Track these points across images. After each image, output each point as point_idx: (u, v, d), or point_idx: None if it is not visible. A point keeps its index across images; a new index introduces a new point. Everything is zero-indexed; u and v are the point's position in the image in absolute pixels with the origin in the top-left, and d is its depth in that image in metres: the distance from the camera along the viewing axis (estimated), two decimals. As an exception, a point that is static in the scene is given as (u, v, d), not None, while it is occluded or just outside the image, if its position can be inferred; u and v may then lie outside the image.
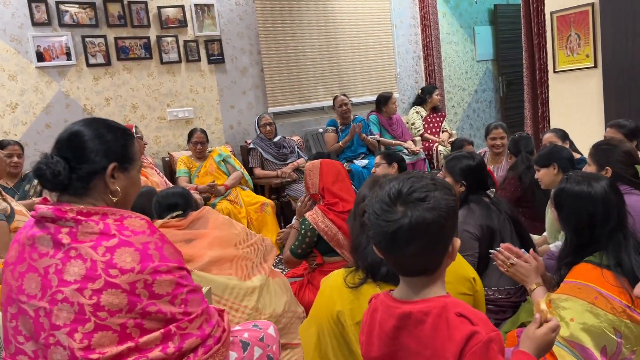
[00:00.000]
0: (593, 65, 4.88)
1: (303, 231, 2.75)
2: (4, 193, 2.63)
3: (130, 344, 1.24)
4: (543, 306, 1.27)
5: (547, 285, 1.83)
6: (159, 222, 2.44)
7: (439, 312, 1.02)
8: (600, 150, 2.41)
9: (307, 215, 2.79)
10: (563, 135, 3.44)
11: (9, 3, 3.94)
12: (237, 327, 1.67)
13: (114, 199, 1.37)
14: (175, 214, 2.47)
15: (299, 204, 3.04)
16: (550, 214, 2.80)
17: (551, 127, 5.37)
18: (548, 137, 3.48)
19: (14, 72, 4.00)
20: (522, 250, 1.91)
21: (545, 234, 2.91)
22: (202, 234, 2.39)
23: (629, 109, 4.50)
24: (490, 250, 1.93)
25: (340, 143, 5.11)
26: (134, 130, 3.87)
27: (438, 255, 1.05)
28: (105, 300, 1.22)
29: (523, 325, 1.99)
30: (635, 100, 4.54)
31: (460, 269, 1.68)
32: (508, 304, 2.19)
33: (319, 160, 2.94)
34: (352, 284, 1.57)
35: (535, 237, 3.00)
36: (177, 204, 2.51)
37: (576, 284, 1.61)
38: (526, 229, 2.35)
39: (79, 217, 1.28)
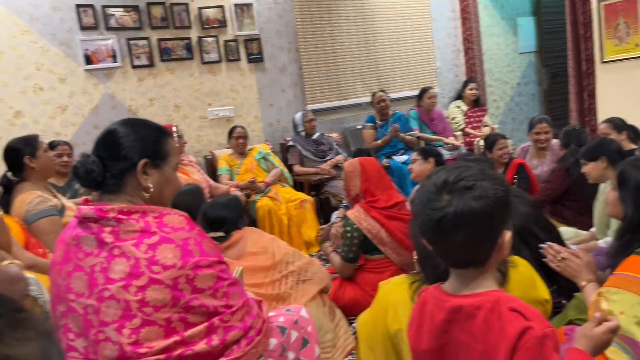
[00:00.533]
0: (643, 55, 4.68)
1: (348, 233, 2.71)
2: (54, 190, 2.76)
3: (176, 337, 1.28)
4: (604, 305, 1.21)
5: (601, 284, 1.77)
6: None
7: (491, 306, 1.01)
8: None
9: (349, 214, 2.75)
10: (619, 125, 3.31)
11: (59, 8, 4.10)
12: (271, 313, 1.70)
13: (147, 195, 1.39)
14: (216, 235, 2.41)
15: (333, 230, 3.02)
16: (599, 208, 2.72)
17: (598, 120, 5.19)
18: (602, 127, 3.37)
19: (64, 75, 4.16)
20: (572, 245, 1.86)
21: (593, 229, 2.82)
22: (231, 263, 2.21)
23: (683, 99, 4.30)
24: (540, 245, 1.88)
25: (379, 142, 5.08)
26: (173, 129, 3.94)
27: (486, 246, 1.02)
28: (150, 296, 1.26)
29: (571, 322, 1.93)
30: (690, 90, 4.33)
31: (532, 291, 1.57)
32: (556, 302, 2.13)
33: (357, 160, 2.90)
34: None
35: (582, 233, 2.91)
36: (224, 218, 2.45)
37: (626, 277, 1.56)
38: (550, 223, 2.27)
39: (120, 216, 1.32)
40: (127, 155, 1.37)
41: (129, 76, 4.43)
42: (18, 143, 2.61)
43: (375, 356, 1.63)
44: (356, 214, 2.73)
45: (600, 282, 1.83)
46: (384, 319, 1.57)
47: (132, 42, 4.38)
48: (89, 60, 4.23)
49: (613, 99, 5.00)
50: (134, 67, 4.42)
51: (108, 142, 1.39)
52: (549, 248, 1.84)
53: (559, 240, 2.15)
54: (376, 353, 1.61)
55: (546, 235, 2.03)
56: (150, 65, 4.48)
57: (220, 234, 2.46)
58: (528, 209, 1.97)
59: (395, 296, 1.58)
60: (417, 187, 1.79)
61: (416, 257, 1.58)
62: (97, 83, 4.30)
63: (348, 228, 2.72)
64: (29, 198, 2.44)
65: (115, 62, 4.33)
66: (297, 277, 2.39)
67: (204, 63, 4.73)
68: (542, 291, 1.61)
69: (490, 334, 0.99)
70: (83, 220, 1.35)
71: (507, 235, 1.03)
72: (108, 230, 1.31)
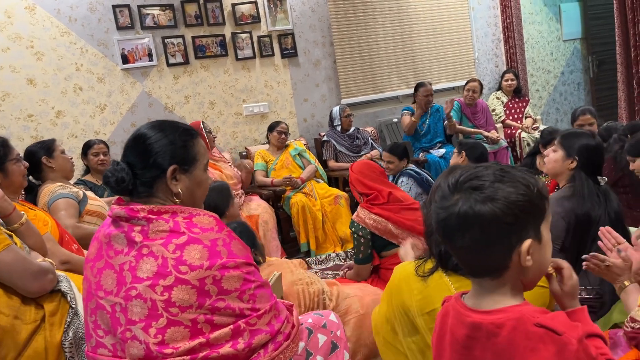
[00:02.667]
0: (698, 39, 4.41)
1: (355, 235, 2.74)
2: (82, 189, 2.86)
3: (201, 339, 1.26)
4: None
5: None
6: None
7: (514, 324, 0.93)
8: None
9: (354, 217, 2.80)
10: None
11: (96, 10, 4.18)
12: (300, 317, 1.67)
13: (177, 200, 1.39)
14: None
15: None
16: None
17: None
18: None
19: (102, 75, 4.25)
20: (620, 249, 1.74)
21: (642, 226, 2.67)
22: None
23: None
24: (583, 257, 1.77)
25: (413, 118, 4.91)
26: (201, 125, 3.94)
27: (497, 254, 0.94)
28: (176, 296, 1.25)
29: (616, 325, 1.82)
30: None
31: None
32: (598, 304, 2.03)
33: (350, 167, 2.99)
34: (422, 274, 1.54)
35: (632, 230, 2.76)
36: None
37: None
38: (628, 230, 2.14)
39: (150, 215, 1.32)
40: (156, 163, 1.36)
41: (165, 74, 4.48)
42: (34, 146, 2.79)
43: (397, 341, 1.62)
44: (359, 215, 2.78)
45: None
46: (398, 295, 1.58)
47: (167, 40, 4.43)
48: (125, 59, 4.30)
49: (665, 86, 4.74)
50: (170, 65, 4.47)
51: (137, 148, 1.38)
52: (592, 258, 1.73)
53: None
54: (399, 335, 1.61)
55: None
56: (185, 62, 4.52)
57: None
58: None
59: (405, 272, 1.61)
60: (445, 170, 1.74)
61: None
62: (134, 82, 4.37)
63: (354, 229, 2.76)
64: (53, 187, 2.63)
65: (151, 60, 4.38)
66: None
67: (238, 59, 4.74)
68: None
69: (519, 354, 0.92)
70: (116, 219, 1.36)
71: (527, 243, 0.93)
72: (138, 229, 1.32)
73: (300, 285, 2.19)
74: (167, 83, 4.49)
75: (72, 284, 1.73)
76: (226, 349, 1.28)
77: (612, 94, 5.91)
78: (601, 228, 1.74)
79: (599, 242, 1.74)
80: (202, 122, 4.06)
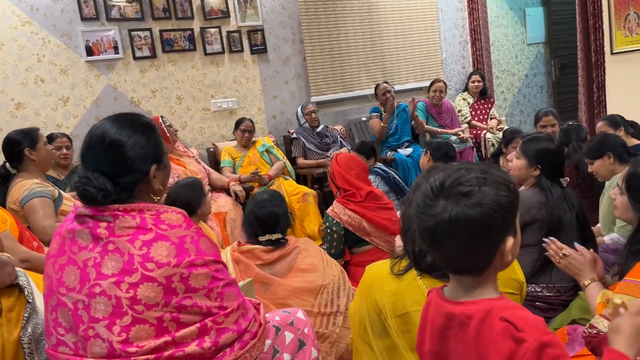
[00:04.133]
0: (654, 46, 4.59)
1: (329, 230, 2.75)
2: (51, 182, 2.77)
3: (167, 337, 1.25)
4: (617, 299, 1.14)
5: (605, 286, 1.72)
6: (247, 247, 2.17)
7: (482, 315, 0.95)
8: None
9: (329, 211, 2.80)
10: (615, 122, 3.25)
11: (59, -1, 4.06)
12: (267, 314, 1.66)
13: (157, 198, 1.38)
14: (274, 237, 2.18)
15: None
16: (605, 204, 2.66)
17: (608, 112, 5.10)
18: (599, 126, 3.31)
19: (65, 67, 4.13)
20: (575, 243, 1.81)
21: (598, 225, 2.76)
22: (279, 283, 2.10)
23: (694, 91, 4.21)
24: (544, 239, 1.83)
25: (382, 123, 4.99)
26: (160, 120, 3.88)
27: (484, 254, 0.96)
28: (141, 294, 1.23)
29: (574, 322, 1.89)
30: (702, 83, 4.24)
31: (509, 271, 1.58)
32: (558, 302, 2.09)
33: (333, 159, 2.97)
34: (397, 272, 1.55)
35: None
36: (277, 217, 2.21)
37: (638, 284, 1.51)
38: (588, 218, 2.22)
39: (117, 212, 1.29)
40: (137, 167, 1.33)
41: (131, 68, 4.39)
42: (18, 135, 2.65)
43: (369, 338, 1.63)
44: (335, 209, 2.77)
45: (605, 283, 1.78)
46: (370, 296, 1.58)
47: (133, 33, 4.33)
48: (90, 51, 4.19)
49: (622, 91, 4.92)
50: (136, 58, 4.38)
51: (114, 154, 1.31)
52: (551, 243, 1.79)
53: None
54: (370, 332, 1.61)
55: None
56: (152, 56, 4.44)
57: (278, 235, 2.18)
58: None
59: (378, 271, 1.60)
60: (424, 170, 1.76)
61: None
62: (98, 75, 4.26)
63: (328, 223, 2.76)
64: (28, 184, 2.52)
65: (117, 53, 4.29)
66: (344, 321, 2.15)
67: (207, 54, 4.68)
68: (519, 274, 1.62)
69: (482, 346, 0.94)
70: (80, 215, 1.32)
71: (510, 242, 0.96)
72: (104, 225, 1.29)
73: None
74: (133, 77, 4.40)
75: (30, 280, 1.69)
76: (192, 347, 1.27)
77: (573, 97, 6.09)
78: (547, 240, 1.81)
79: (548, 252, 1.80)
80: (161, 116, 4.00)
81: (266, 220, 2.18)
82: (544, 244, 1.83)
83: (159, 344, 1.24)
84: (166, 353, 1.25)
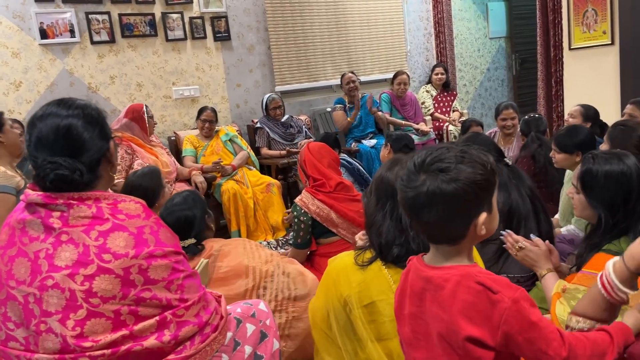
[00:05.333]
0: (610, 42, 4.73)
1: (296, 219, 2.73)
2: (21, 175, 2.62)
3: (124, 331, 1.22)
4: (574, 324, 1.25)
5: (561, 275, 1.76)
6: None
7: (458, 279, 1.05)
8: (617, 131, 2.32)
9: (297, 200, 2.78)
10: (588, 116, 3.32)
11: (11, -22, 3.87)
12: (229, 306, 1.63)
13: (116, 177, 1.35)
14: (187, 243, 2.06)
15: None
16: (566, 196, 2.72)
17: (565, 107, 5.25)
18: (572, 116, 3.39)
19: (17, 50, 3.94)
20: (531, 234, 1.85)
21: (556, 216, 2.83)
22: None
23: (647, 87, 4.36)
24: (501, 232, 1.86)
25: (349, 118, 5.04)
26: (144, 109, 3.81)
27: (458, 226, 1.06)
28: (97, 286, 1.19)
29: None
30: (653, 79, 4.40)
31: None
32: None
33: (305, 146, 2.94)
34: (361, 263, 1.57)
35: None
36: (189, 221, 2.10)
37: (595, 276, 1.54)
38: (546, 208, 2.25)
39: (71, 201, 1.24)
40: (96, 144, 1.30)
41: (88, 52, 4.23)
42: None
43: (333, 333, 1.63)
44: (303, 199, 2.75)
45: (562, 273, 1.82)
46: (335, 288, 1.59)
47: (91, 16, 4.17)
48: (44, 34, 4.02)
49: (580, 86, 5.06)
50: (94, 42, 4.22)
51: (71, 138, 1.27)
52: (508, 236, 1.83)
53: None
54: (333, 318, 1.61)
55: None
56: (111, 41, 4.29)
57: (191, 241, 2.08)
58: None
59: (342, 263, 1.63)
60: (387, 161, 1.77)
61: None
62: (53, 59, 4.09)
63: (295, 212, 2.74)
64: None
65: (73, 37, 4.12)
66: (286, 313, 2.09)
67: (169, 40, 4.56)
68: (481, 265, 1.65)
69: (455, 306, 1.04)
70: (31, 204, 1.26)
71: (483, 216, 1.05)
72: (57, 215, 1.24)
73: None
74: (90, 62, 4.25)
75: None
76: (151, 341, 1.24)
77: (533, 92, 6.24)
78: (504, 232, 1.84)
79: (506, 244, 1.84)
80: (145, 106, 3.89)
81: (176, 226, 1.96)
82: (501, 237, 1.86)
83: (115, 338, 1.21)
84: (123, 347, 1.21)
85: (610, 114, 4.07)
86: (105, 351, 1.19)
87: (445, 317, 1.05)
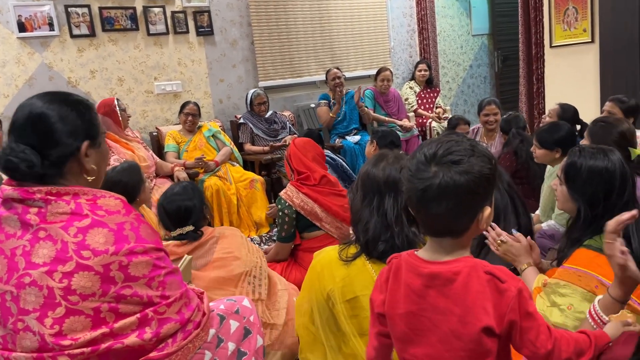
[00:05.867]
0: (590, 40, 4.78)
1: (281, 212, 2.73)
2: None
3: (104, 329, 1.20)
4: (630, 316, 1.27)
5: (542, 272, 1.78)
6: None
7: (468, 271, 1.06)
8: (597, 128, 2.35)
9: (281, 193, 2.78)
10: (565, 117, 3.35)
11: (-13, -30, 3.78)
12: (212, 303, 1.62)
13: (90, 179, 1.30)
14: (186, 230, 2.14)
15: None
16: (546, 191, 2.75)
17: (546, 104, 5.30)
18: (549, 116, 3.42)
19: (-6, 43, 3.87)
20: (513, 230, 1.87)
21: (537, 212, 2.86)
22: (197, 277, 2.05)
23: (626, 85, 4.42)
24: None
25: (331, 114, 5.03)
26: (115, 103, 3.76)
27: (465, 218, 1.07)
28: (76, 284, 1.17)
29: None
30: (632, 77, 4.46)
31: None
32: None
33: (291, 141, 2.96)
34: (345, 258, 1.57)
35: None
36: (188, 210, 2.16)
37: (576, 271, 1.56)
38: (525, 203, 2.27)
39: (49, 197, 1.21)
40: (66, 141, 1.25)
41: (68, 46, 4.16)
42: None
43: (317, 328, 1.63)
44: (288, 192, 2.76)
45: (542, 268, 1.84)
46: (319, 282, 1.60)
47: (70, 9, 4.10)
48: (22, 27, 3.94)
49: (560, 83, 5.11)
50: (73, 36, 4.15)
51: (40, 127, 1.24)
52: (490, 230, 1.84)
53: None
54: (317, 312, 1.62)
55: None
56: (92, 35, 4.22)
57: (189, 228, 2.13)
58: None
59: (327, 257, 1.64)
60: (372, 156, 1.76)
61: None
62: (32, 52, 4.02)
63: (280, 206, 2.74)
64: None
65: (52, 30, 4.05)
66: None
67: (150, 35, 4.50)
68: None
69: (469, 296, 1.05)
70: (7, 200, 1.23)
71: (487, 210, 1.07)
72: (34, 211, 1.21)
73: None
74: (70, 56, 4.18)
75: None
76: (132, 339, 1.22)
77: (514, 89, 6.30)
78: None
79: (488, 239, 1.85)
80: (117, 99, 3.83)
81: (175, 215, 2.15)
82: (484, 231, 1.87)
83: (95, 336, 1.19)
84: (103, 345, 1.19)
85: (590, 111, 4.12)
86: (84, 349, 1.17)
87: (457, 311, 1.06)
